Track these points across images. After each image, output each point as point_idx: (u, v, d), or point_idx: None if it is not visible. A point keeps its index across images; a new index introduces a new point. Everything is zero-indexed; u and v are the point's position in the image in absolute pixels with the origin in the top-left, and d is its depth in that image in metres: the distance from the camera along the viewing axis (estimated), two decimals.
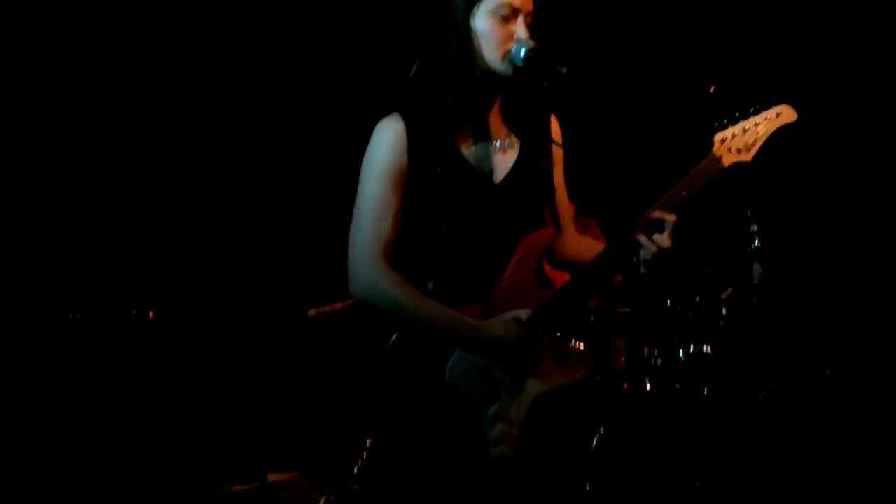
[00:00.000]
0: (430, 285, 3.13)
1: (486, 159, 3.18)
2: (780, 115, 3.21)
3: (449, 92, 3.14)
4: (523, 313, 3.07)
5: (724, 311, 4.65)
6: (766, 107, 3.21)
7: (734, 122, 3.19)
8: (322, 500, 4.90)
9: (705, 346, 4.63)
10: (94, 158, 5.41)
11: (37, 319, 5.11)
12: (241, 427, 5.41)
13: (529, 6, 3.15)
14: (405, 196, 3.12)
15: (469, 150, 3.16)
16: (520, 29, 3.11)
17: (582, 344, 3.17)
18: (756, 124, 3.18)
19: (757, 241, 4.56)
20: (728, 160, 3.15)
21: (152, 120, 5.52)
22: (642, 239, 3.09)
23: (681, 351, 4.62)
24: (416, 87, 3.18)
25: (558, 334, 3.13)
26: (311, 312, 5.00)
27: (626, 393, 4.50)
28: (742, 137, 3.17)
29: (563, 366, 3.12)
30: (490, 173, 3.17)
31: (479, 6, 3.12)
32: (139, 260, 5.44)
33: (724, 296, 4.67)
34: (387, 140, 3.13)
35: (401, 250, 3.12)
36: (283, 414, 5.51)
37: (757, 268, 4.55)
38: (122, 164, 5.46)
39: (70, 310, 5.10)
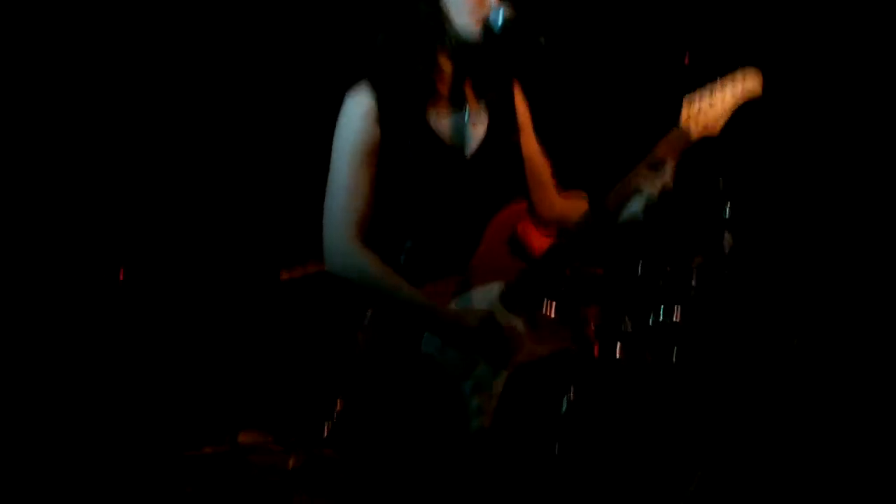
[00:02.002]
0: (402, 258, 3.12)
1: (457, 132, 3.14)
2: (748, 86, 3.20)
3: (418, 61, 3.11)
4: (497, 287, 3.08)
5: (693, 279, 4.65)
6: (734, 78, 3.20)
7: (702, 94, 3.18)
8: (291, 463, 4.93)
9: (675, 314, 4.64)
10: (60, 113, 5.35)
11: (7, 278, 5.09)
12: (213, 389, 5.41)
13: None
14: (377, 169, 3.10)
15: (439, 123, 3.13)
16: None
17: (554, 313, 3.16)
18: (723, 97, 3.18)
19: (728, 210, 4.56)
20: (696, 133, 3.15)
21: (127, 78, 5.47)
22: (643, 182, 3.08)
23: (650, 318, 4.62)
24: (384, 56, 3.14)
25: (533, 306, 3.12)
26: (284, 275, 5.00)
27: (597, 360, 4.51)
28: (710, 110, 3.17)
29: (540, 338, 3.11)
30: (461, 147, 3.14)
31: None
32: (110, 218, 5.40)
33: (694, 264, 4.67)
34: (357, 114, 3.08)
35: (373, 223, 3.11)
36: (254, 377, 5.51)
37: (728, 237, 4.55)
38: (92, 122, 5.41)
39: (40, 269, 5.08)
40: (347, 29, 5.24)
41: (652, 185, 3.08)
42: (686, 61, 3.85)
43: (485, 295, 3.08)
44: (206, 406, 5.31)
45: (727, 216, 4.55)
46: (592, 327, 4.55)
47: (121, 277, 5.02)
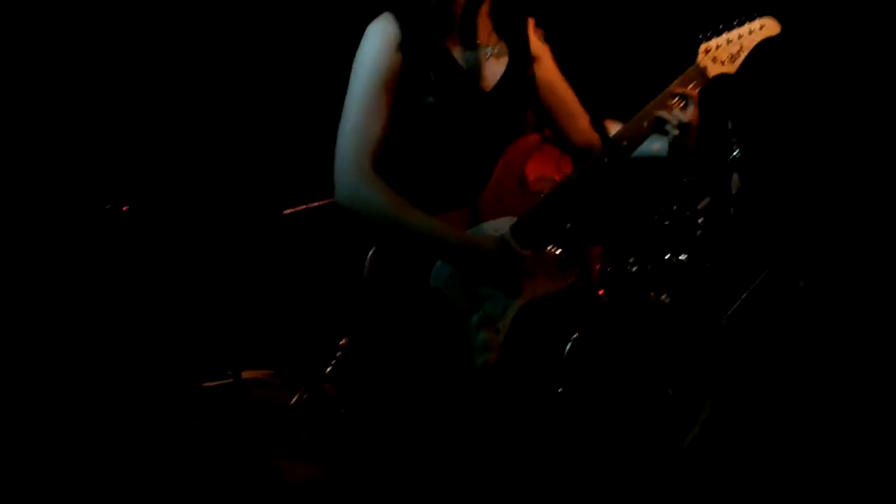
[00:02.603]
0: (414, 187, 3.11)
1: (477, 65, 3.13)
2: (764, 28, 3.20)
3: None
4: (507, 222, 3.08)
5: (700, 220, 4.64)
6: (751, 18, 3.21)
7: (719, 33, 3.18)
8: (294, 399, 4.95)
9: (681, 255, 4.63)
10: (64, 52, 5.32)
11: (9, 213, 5.07)
12: (216, 324, 5.42)
13: None
14: (395, 100, 3.07)
15: (459, 55, 3.12)
16: None
17: (561, 251, 3.16)
18: (740, 36, 3.17)
19: (737, 151, 4.55)
20: (713, 71, 3.15)
21: (125, 21, 5.43)
22: (665, 114, 3.06)
23: (657, 259, 4.62)
24: None
25: (543, 243, 3.12)
26: (287, 211, 4.99)
27: (602, 300, 4.51)
28: (727, 48, 3.16)
29: (548, 274, 3.11)
30: (481, 80, 3.13)
31: None
32: (115, 154, 5.38)
33: (701, 205, 4.66)
34: (380, 41, 3.06)
35: (385, 153, 3.10)
36: (257, 312, 5.51)
37: (735, 178, 4.54)
38: (95, 62, 5.37)
39: (45, 204, 5.07)
40: None
41: (677, 119, 3.07)
42: None
43: (496, 228, 3.08)
44: (210, 341, 5.31)
45: (736, 157, 4.54)
46: (598, 266, 4.55)
47: (125, 210, 4.98)
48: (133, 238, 5.17)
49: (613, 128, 3.17)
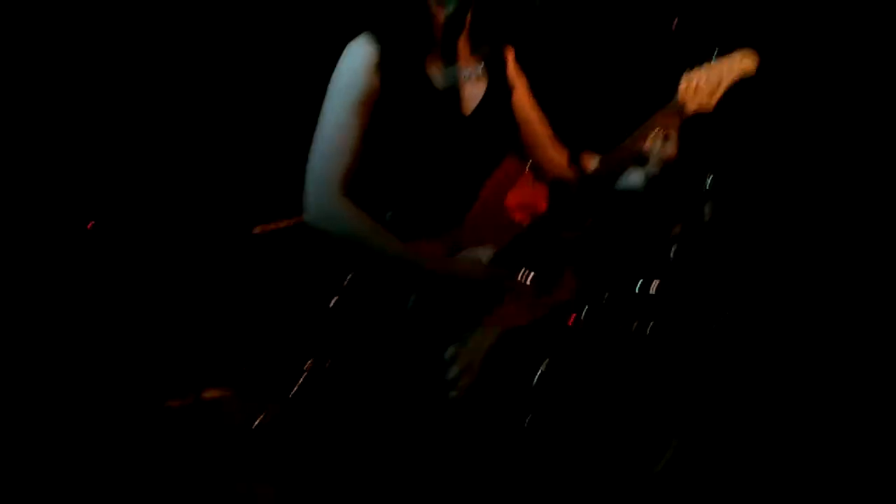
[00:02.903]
0: (388, 216, 3.08)
1: (456, 88, 3.11)
2: (743, 61, 3.21)
3: (420, 12, 3.06)
4: (487, 252, 3.03)
5: (672, 247, 4.62)
6: (730, 52, 3.21)
7: (699, 68, 3.18)
8: (257, 421, 4.88)
9: (653, 283, 4.61)
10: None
11: None
12: (179, 343, 5.34)
13: None
14: (371, 121, 3.05)
15: (439, 77, 3.10)
16: None
17: (536, 280, 3.13)
18: (719, 70, 3.18)
19: (710, 181, 4.53)
20: (692, 107, 3.17)
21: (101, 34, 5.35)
22: (643, 149, 3.06)
23: (629, 286, 4.60)
24: (386, 7, 3.10)
25: (521, 274, 3.10)
26: (258, 229, 4.94)
27: (573, 327, 4.48)
28: (706, 84, 3.17)
29: (524, 304, 3.09)
30: (460, 103, 3.11)
31: None
32: (81, 168, 5.30)
33: (673, 232, 4.65)
34: (358, 61, 3.04)
35: (361, 178, 3.06)
36: (223, 331, 5.44)
37: (708, 207, 4.52)
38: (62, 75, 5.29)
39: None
40: None
41: (655, 154, 3.05)
42: (674, 25, 3.80)
43: (474, 258, 3.04)
44: (173, 360, 5.24)
45: (708, 187, 4.52)
46: (571, 297, 4.51)
47: (89, 228, 4.91)
48: (97, 254, 5.10)
49: (591, 160, 3.16)
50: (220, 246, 5.38)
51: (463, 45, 3.14)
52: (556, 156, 3.29)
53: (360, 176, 3.06)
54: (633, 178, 3.13)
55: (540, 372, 4.10)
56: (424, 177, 3.07)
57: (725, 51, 3.20)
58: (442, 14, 3.07)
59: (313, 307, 3.30)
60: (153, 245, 5.36)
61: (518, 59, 3.28)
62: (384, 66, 3.03)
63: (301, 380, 4.77)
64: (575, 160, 3.07)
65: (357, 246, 3.02)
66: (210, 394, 5.23)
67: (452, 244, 3.05)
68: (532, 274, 3.11)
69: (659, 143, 3.05)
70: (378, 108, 3.05)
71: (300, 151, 3.09)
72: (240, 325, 5.43)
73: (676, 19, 3.80)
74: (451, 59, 3.10)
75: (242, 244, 5.05)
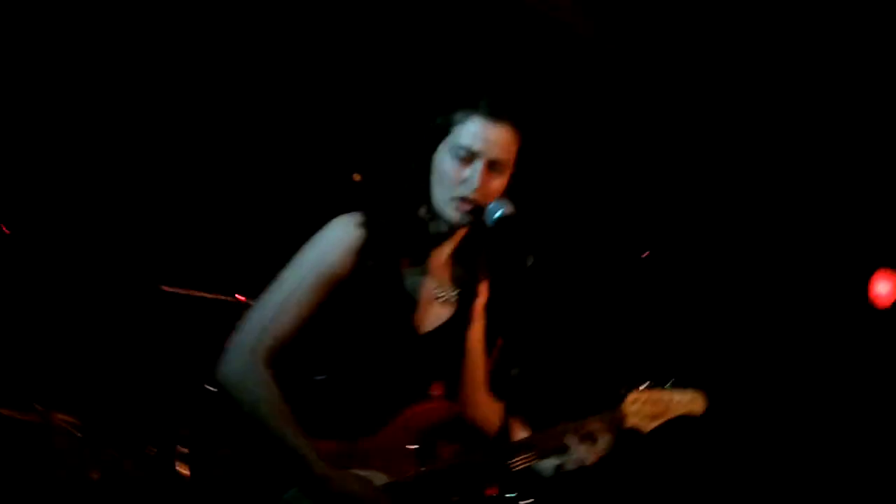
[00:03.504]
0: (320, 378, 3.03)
1: (423, 302, 3.05)
2: (691, 402, 3.24)
3: (413, 215, 3.03)
4: (379, 478, 2.96)
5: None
6: (683, 387, 3.25)
7: (650, 388, 3.21)
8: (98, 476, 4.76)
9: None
10: None
11: None
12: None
13: (494, 153, 2.96)
14: (328, 299, 2.97)
15: (411, 284, 3.04)
16: (473, 174, 2.94)
17: None
18: (668, 400, 3.21)
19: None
20: (630, 422, 3.17)
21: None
22: (571, 443, 3.06)
23: None
24: (379, 196, 3.07)
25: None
26: (166, 288, 4.88)
27: None
28: (651, 406, 3.19)
29: None
30: (422, 319, 3.05)
31: (445, 139, 3.00)
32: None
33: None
34: (341, 239, 2.97)
35: (290, 353, 3.00)
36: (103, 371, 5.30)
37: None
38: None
39: None
40: None
41: (580, 451, 3.07)
42: (645, 255, 3.84)
43: (366, 481, 2.96)
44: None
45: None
46: None
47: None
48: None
49: (520, 429, 3.16)
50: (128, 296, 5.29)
51: (445, 265, 3.11)
52: (486, 402, 3.27)
53: (290, 352, 2.99)
54: (546, 464, 3.11)
55: None
56: (350, 376, 2.99)
57: (680, 384, 3.24)
58: (432, 227, 3.05)
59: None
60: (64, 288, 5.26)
61: (489, 302, 3.26)
62: (364, 253, 2.96)
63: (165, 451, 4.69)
64: (506, 419, 3.07)
65: (257, 423, 2.88)
66: (59, 416, 5.12)
67: (348, 455, 2.95)
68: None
69: (584, 447, 3.08)
70: (341, 287, 2.97)
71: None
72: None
73: (647, 252, 3.84)
74: (428, 273, 3.07)
75: (149, 297, 4.97)
